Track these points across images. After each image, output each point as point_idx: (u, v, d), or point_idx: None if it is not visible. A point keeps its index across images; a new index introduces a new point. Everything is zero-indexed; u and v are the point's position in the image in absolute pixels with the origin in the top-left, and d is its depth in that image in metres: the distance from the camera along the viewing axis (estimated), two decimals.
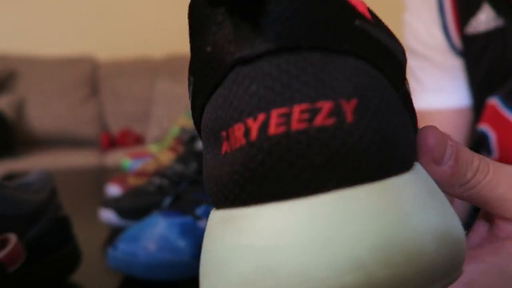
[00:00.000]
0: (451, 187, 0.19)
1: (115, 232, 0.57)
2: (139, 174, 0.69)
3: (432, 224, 0.13)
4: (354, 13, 0.14)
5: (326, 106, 0.13)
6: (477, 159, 0.19)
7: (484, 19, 0.55)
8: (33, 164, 1.96)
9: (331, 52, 0.14)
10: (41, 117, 2.34)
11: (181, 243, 0.43)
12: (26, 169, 1.81)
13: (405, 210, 0.13)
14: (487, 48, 0.56)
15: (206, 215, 0.46)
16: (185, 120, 0.74)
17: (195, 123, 0.17)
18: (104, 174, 1.08)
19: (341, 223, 0.12)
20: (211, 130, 0.15)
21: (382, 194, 0.13)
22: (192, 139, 0.61)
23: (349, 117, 0.13)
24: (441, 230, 0.13)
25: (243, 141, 0.13)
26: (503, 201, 0.19)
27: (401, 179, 0.13)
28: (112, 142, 2.37)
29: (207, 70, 0.15)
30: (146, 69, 2.50)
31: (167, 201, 0.49)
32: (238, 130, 0.13)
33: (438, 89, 0.62)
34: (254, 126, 0.13)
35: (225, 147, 0.14)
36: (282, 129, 0.13)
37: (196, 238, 0.44)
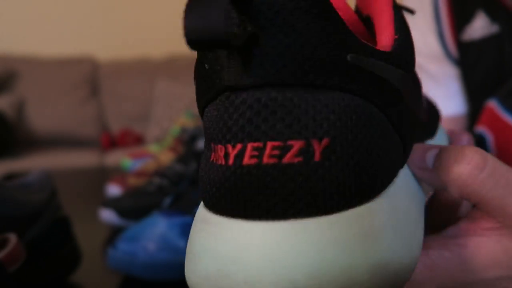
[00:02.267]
0: (440, 185, 0.21)
1: (115, 232, 0.57)
2: (139, 174, 0.69)
3: (369, 257, 0.14)
4: (351, 46, 0.15)
5: (296, 145, 0.14)
6: (470, 153, 0.20)
7: (480, 26, 0.56)
8: (33, 164, 1.96)
9: (315, 88, 0.15)
10: (41, 117, 2.34)
11: (181, 243, 0.43)
12: (26, 169, 1.81)
13: (346, 243, 0.14)
14: (483, 54, 0.56)
15: None
16: (185, 120, 0.74)
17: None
18: (104, 174, 1.08)
19: (286, 248, 0.14)
20: (206, 136, 0.17)
21: (325, 228, 0.14)
22: (192, 139, 0.61)
23: (317, 157, 0.14)
24: (377, 263, 0.15)
25: (223, 161, 0.15)
26: (499, 202, 0.20)
27: (353, 212, 0.15)
28: (112, 142, 2.37)
29: (203, 85, 0.16)
30: (146, 69, 2.50)
31: (167, 201, 0.49)
32: (220, 150, 0.15)
33: (432, 98, 0.64)
34: (232, 152, 0.15)
35: (212, 157, 0.16)
36: (254, 161, 0.15)
37: None
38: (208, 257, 0.15)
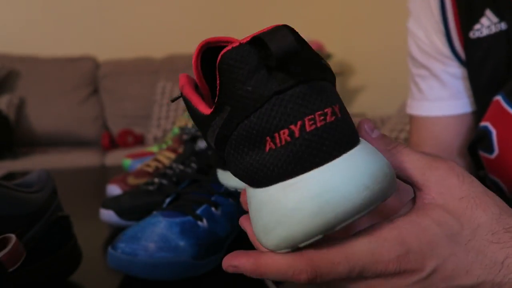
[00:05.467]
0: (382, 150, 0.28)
1: (115, 232, 0.57)
2: (139, 174, 0.69)
3: (385, 161, 0.25)
4: (319, 56, 0.26)
5: (329, 110, 0.24)
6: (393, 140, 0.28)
7: (487, 25, 0.56)
8: (33, 164, 1.96)
9: (320, 80, 0.25)
10: (41, 117, 2.34)
11: (181, 243, 0.43)
12: (26, 169, 1.81)
13: (374, 156, 0.25)
14: (490, 52, 0.56)
15: (206, 215, 0.46)
16: (185, 120, 0.74)
17: (220, 136, 0.26)
18: (104, 174, 1.08)
19: (354, 169, 0.23)
20: (253, 136, 0.24)
21: (364, 151, 0.24)
22: (192, 139, 0.61)
23: (339, 114, 0.24)
24: (389, 164, 0.25)
25: (289, 138, 0.23)
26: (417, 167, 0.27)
27: (365, 144, 0.25)
28: (113, 142, 2.37)
29: (248, 101, 0.24)
30: (146, 70, 2.50)
31: (167, 201, 0.49)
32: (283, 133, 0.24)
33: (436, 98, 0.64)
34: (296, 128, 0.23)
35: (269, 146, 0.24)
36: (313, 127, 0.23)
37: (196, 238, 0.44)
38: (307, 203, 0.23)
